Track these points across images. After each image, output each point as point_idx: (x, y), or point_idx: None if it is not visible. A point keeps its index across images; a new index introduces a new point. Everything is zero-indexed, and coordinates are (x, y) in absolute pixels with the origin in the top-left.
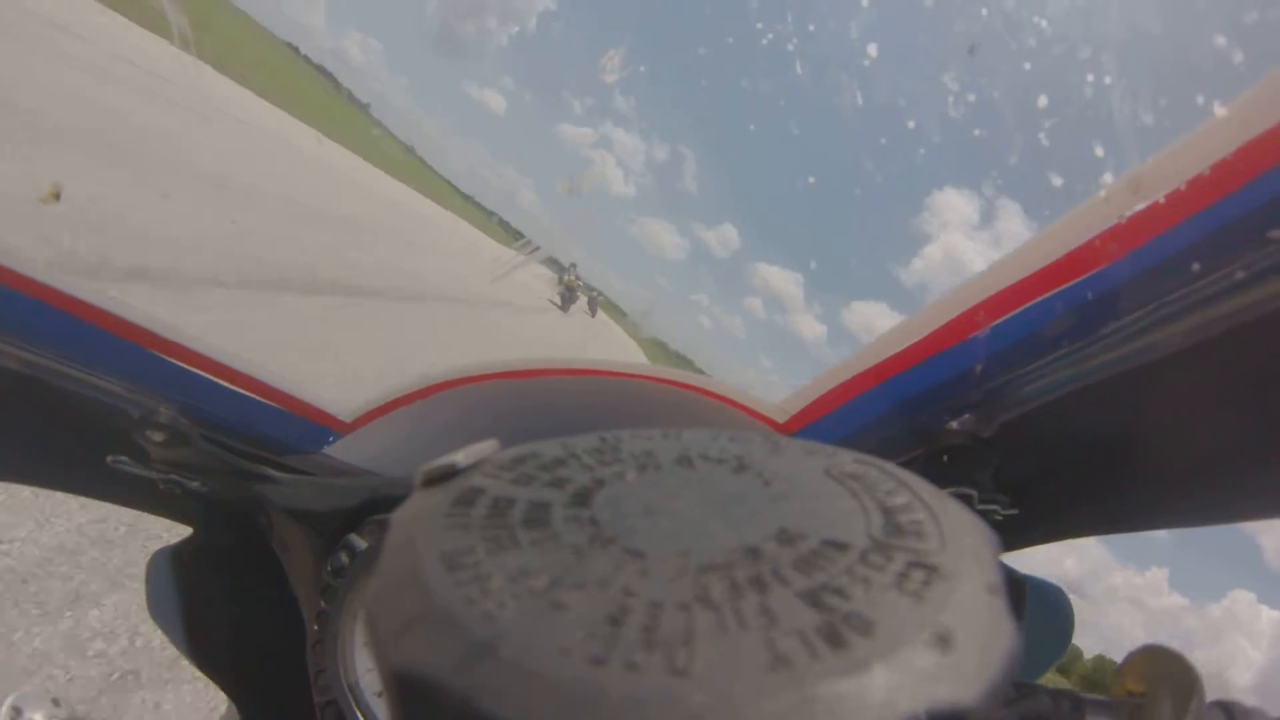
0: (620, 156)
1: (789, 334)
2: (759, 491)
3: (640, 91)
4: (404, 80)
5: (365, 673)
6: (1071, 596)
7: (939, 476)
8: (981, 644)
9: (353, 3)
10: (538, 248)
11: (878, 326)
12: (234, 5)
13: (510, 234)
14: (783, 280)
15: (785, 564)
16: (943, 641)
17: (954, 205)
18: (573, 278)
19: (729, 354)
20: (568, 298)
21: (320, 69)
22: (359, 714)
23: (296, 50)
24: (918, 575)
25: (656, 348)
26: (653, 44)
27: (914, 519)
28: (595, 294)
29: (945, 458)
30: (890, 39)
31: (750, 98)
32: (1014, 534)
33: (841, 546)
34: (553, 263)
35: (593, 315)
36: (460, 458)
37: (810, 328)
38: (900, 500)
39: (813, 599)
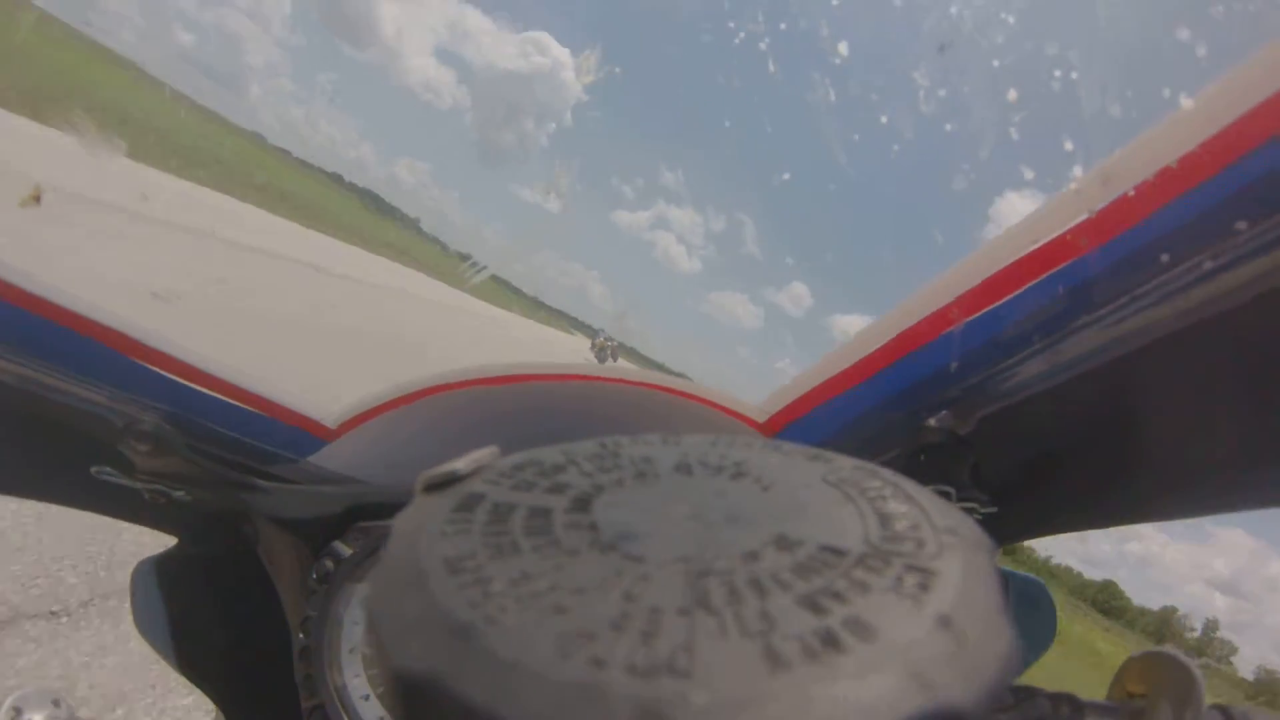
0: (679, 233)
1: None
2: (757, 497)
3: (685, 165)
4: (455, 194)
5: (352, 678)
6: (1227, 598)
7: (917, 475)
8: (979, 647)
9: (396, 131)
10: (614, 341)
11: None
12: (300, 165)
13: (579, 328)
14: (861, 326)
15: (784, 569)
16: (939, 645)
17: (1017, 208)
18: (603, 340)
19: None
20: (601, 357)
21: (398, 214)
22: (345, 718)
23: (370, 198)
24: (914, 579)
25: None
26: (689, 118)
27: (910, 524)
28: (614, 344)
29: (923, 456)
30: (892, 45)
31: (796, 150)
32: (993, 531)
33: (839, 551)
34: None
35: (614, 361)
36: (461, 464)
37: None
38: (896, 505)
39: (811, 603)
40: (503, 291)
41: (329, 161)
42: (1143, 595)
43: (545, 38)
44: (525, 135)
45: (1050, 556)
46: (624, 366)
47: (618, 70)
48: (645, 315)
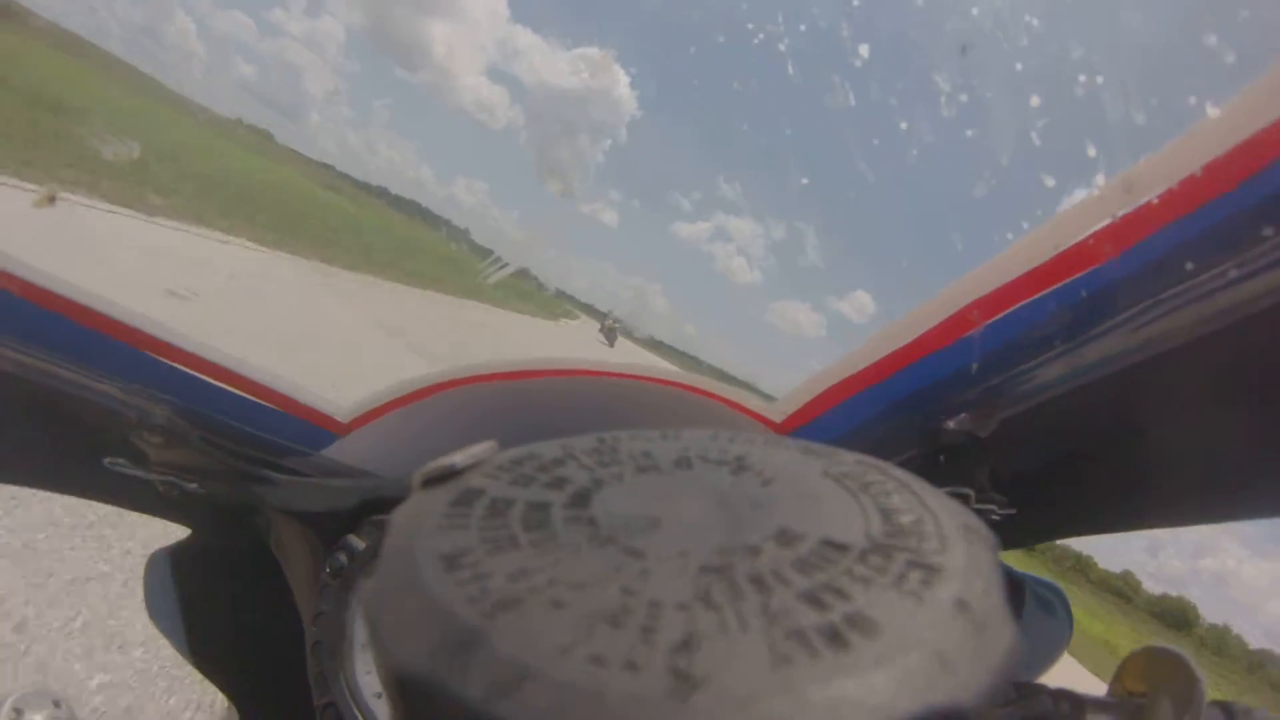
0: (740, 244)
1: None
2: (758, 492)
3: (743, 175)
4: (514, 214)
5: (364, 674)
6: None
7: (936, 476)
8: (981, 644)
9: (452, 152)
10: (619, 323)
11: None
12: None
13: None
14: None
15: (785, 564)
16: (942, 641)
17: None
18: (610, 323)
19: None
20: (610, 338)
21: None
22: (358, 715)
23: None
24: (917, 575)
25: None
26: (746, 128)
27: (913, 519)
28: (614, 323)
29: (942, 457)
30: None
31: (856, 157)
32: (1011, 533)
33: (841, 547)
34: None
35: (611, 344)
36: (459, 459)
37: None
38: (899, 500)
39: (813, 599)
40: (571, 305)
41: (395, 185)
42: (1219, 614)
43: (596, 53)
44: (581, 151)
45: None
46: (640, 363)
47: (671, 84)
48: (708, 326)
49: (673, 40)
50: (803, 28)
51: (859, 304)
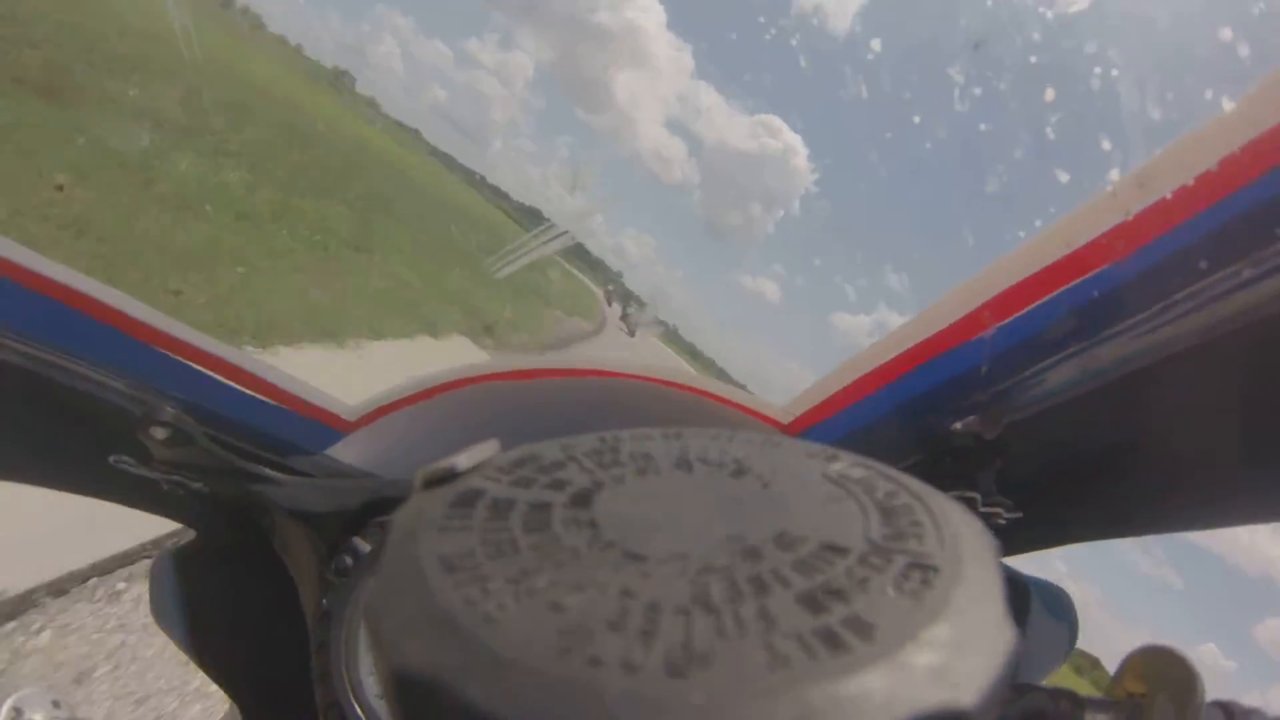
0: None
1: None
2: (758, 494)
3: (911, 268)
4: (679, 273)
5: (368, 675)
6: None
7: (943, 479)
8: (980, 646)
9: (625, 199)
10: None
11: None
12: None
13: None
14: None
15: (784, 566)
16: (941, 643)
17: None
18: (630, 310)
19: None
20: (632, 327)
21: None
22: (362, 716)
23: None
24: (916, 577)
25: None
26: (919, 217)
27: (913, 521)
28: (630, 310)
29: (949, 460)
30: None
31: None
32: (1017, 538)
33: (840, 549)
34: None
35: (631, 335)
36: (460, 460)
37: None
38: (899, 502)
39: (812, 601)
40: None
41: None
42: None
43: (776, 121)
44: (752, 219)
45: None
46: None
47: (847, 161)
48: None
49: (859, 123)
50: (983, 127)
51: None
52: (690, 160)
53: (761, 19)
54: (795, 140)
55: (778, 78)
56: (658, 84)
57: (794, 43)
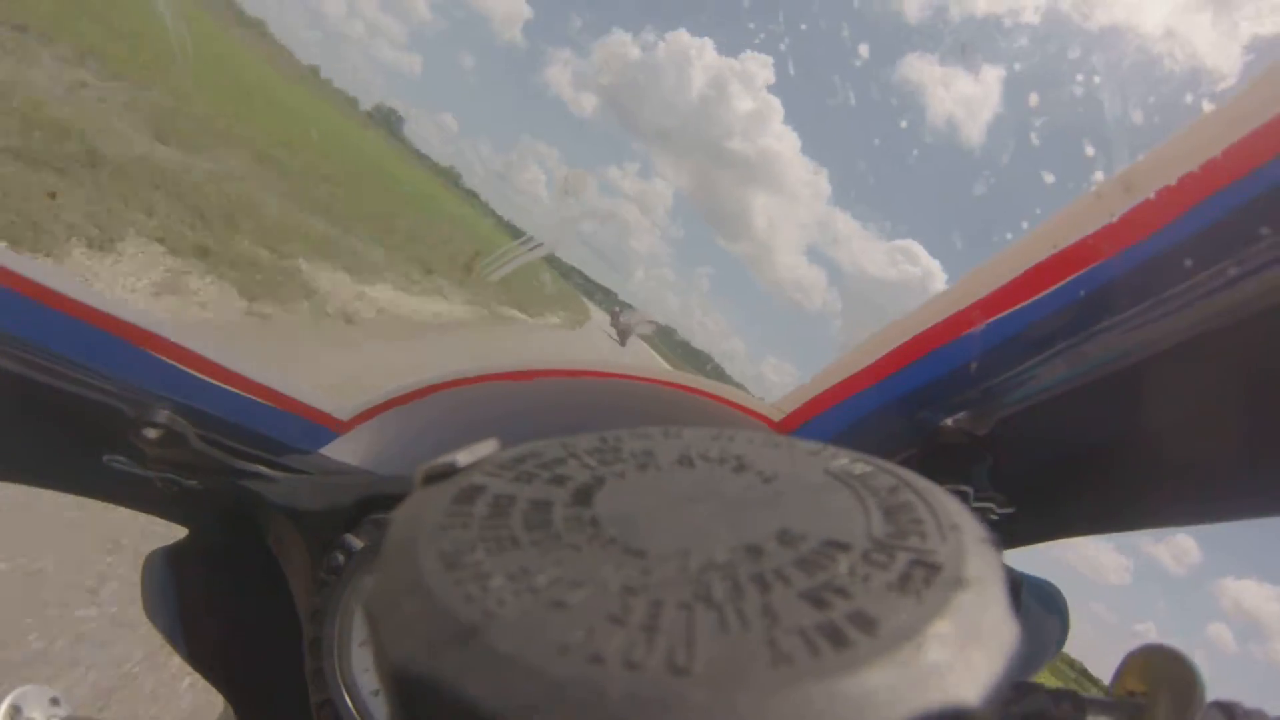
0: None
1: (1273, 669)
2: (759, 491)
3: None
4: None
5: (362, 672)
6: None
7: (934, 474)
8: (983, 642)
9: (764, 329)
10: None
11: None
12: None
13: None
14: (1260, 598)
15: (787, 563)
16: (944, 640)
17: None
18: (621, 316)
19: None
20: (623, 334)
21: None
22: (355, 713)
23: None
24: (919, 574)
25: None
26: None
27: (915, 518)
28: (618, 309)
29: (940, 455)
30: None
31: None
32: (1009, 533)
33: (843, 546)
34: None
35: (622, 343)
36: (461, 456)
37: None
38: (901, 499)
39: (814, 598)
40: None
41: (713, 352)
42: None
43: (915, 246)
44: None
45: None
46: (639, 364)
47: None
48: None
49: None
50: None
51: (1181, 550)
52: (831, 288)
53: (900, 127)
54: (934, 265)
55: (914, 198)
56: (795, 209)
57: (927, 166)
